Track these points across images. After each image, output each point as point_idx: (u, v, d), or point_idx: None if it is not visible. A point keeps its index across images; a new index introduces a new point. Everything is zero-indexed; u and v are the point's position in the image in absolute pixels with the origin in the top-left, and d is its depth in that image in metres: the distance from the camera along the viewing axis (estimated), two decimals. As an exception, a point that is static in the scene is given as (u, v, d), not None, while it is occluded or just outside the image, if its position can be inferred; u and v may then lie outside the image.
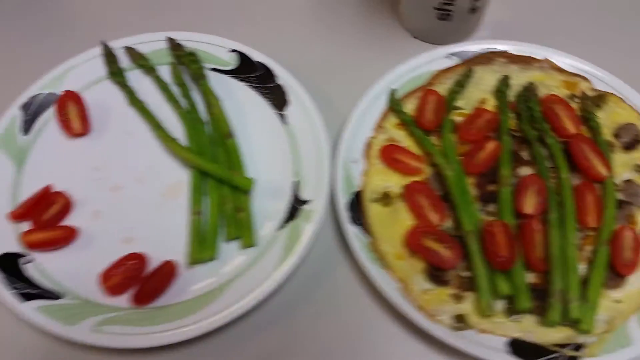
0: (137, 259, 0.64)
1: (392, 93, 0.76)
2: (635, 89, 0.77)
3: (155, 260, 0.65)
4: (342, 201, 0.67)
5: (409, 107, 0.76)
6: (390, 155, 0.71)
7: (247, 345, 0.62)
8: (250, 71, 0.78)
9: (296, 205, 0.67)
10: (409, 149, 0.73)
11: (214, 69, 0.78)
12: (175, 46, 0.78)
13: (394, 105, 0.75)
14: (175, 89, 0.77)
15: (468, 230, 0.64)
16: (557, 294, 0.61)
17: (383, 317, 0.64)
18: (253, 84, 0.77)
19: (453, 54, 0.79)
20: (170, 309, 0.62)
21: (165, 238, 0.67)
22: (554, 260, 0.63)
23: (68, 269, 0.64)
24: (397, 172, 0.71)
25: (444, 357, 0.62)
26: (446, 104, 0.75)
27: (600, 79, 0.78)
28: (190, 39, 0.80)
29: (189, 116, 0.74)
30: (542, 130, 0.73)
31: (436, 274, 0.64)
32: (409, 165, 0.71)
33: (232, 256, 0.65)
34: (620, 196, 0.69)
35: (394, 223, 0.67)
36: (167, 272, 0.63)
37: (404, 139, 0.74)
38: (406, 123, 0.74)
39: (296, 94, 0.75)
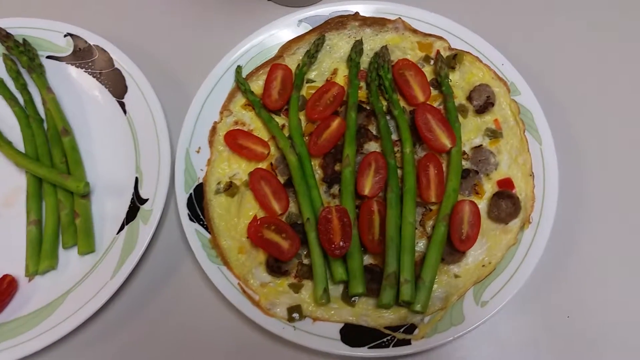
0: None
1: (238, 70, 0.72)
2: (492, 44, 0.73)
3: (-5, 275, 0.64)
4: (182, 197, 0.66)
5: (259, 84, 0.73)
6: (235, 141, 0.69)
7: (98, 347, 0.63)
8: (87, 56, 0.73)
9: (137, 205, 0.66)
10: (255, 133, 0.70)
11: (50, 57, 0.74)
12: (4, 35, 0.73)
13: (240, 84, 0.71)
14: (12, 84, 0.73)
15: (306, 217, 0.64)
16: (390, 276, 0.61)
17: (224, 312, 0.64)
18: (91, 70, 0.73)
19: (303, 20, 0.75)
20: (10, 325, 0.61)
21: (4, 251, 0.65)
22: (389, 241, 0.62)
23: None
24: (243, 158, 0.69)
25: (280, 346, 0.63)
26: (294, 79, 0.72)
27: (457, 35, 0.74)
28: (21, 25, 0.74)
29: (24, 114, 0.70)
30: (391, 101, 0.70)
31: (276, 264, 0.63)
32: (254, 150, 0.68)
33: (71, 264, 0.65)
34: (467, 165, 0.68)
35: (239, 214, 0.66)
36: (6, 288, 0.62)
37: (252, 121, 0.71)
38: (253, 104, 0.71)
39: (133, 78, 0.71)
